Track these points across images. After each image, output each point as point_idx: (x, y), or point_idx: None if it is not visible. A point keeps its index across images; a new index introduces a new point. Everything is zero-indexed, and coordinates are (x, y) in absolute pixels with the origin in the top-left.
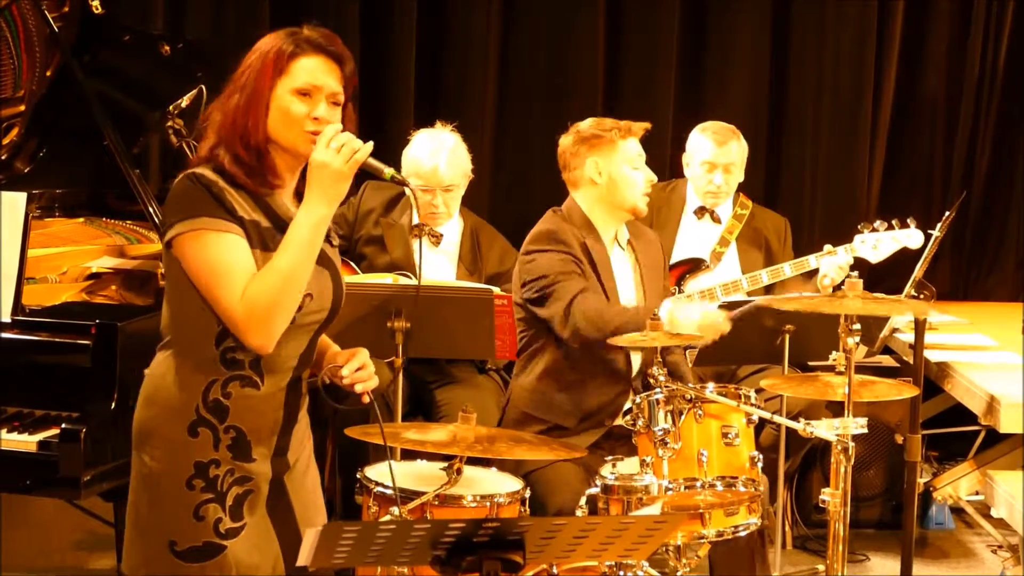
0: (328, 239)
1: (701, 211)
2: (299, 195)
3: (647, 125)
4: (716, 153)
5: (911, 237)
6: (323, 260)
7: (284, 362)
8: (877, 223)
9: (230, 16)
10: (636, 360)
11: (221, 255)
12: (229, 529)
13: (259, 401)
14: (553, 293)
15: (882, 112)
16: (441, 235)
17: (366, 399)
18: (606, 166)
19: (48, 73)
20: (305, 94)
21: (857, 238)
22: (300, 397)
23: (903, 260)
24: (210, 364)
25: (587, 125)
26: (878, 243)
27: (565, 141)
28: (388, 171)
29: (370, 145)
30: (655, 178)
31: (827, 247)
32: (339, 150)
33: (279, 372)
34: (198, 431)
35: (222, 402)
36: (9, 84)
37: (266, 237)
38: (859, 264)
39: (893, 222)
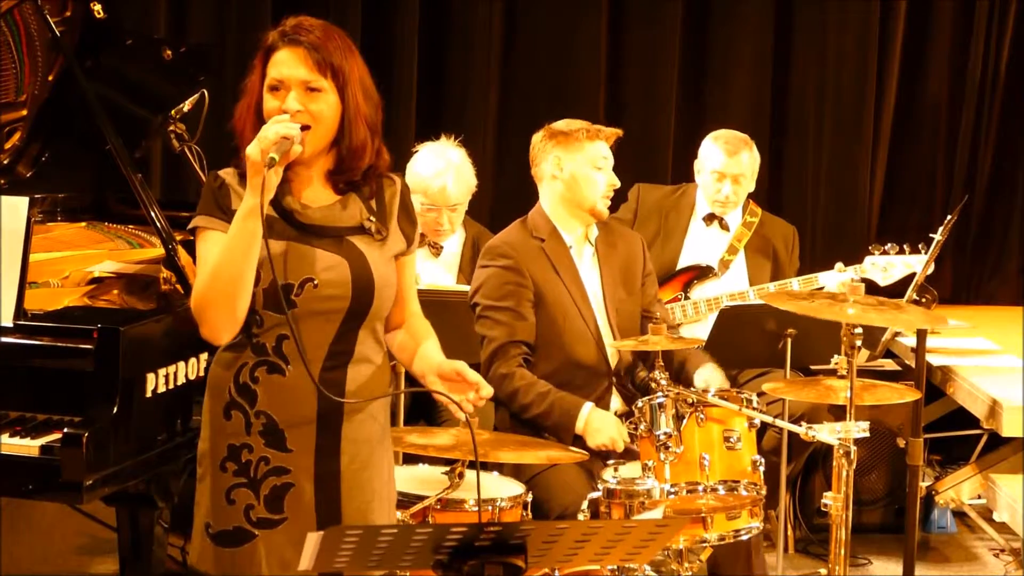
0: (367, 231)
1: (710, 218)
2: (328, 177)
3: (618, 132)
4: (726, 163)
5: (922, 263)
6: (344, 249)
7: (308, 351)
8: (888, 246)
9: (232, 19)
10: (611, 355)
11: (200, 250)
12: (263, 519)
13: (287, 389)
14: (482, 331)
15: (884, 115)
16: (442, 247)
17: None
18: (568, 163)
19: (50, 77)
20: (276, 88)
21: (867, 260)
22: (342, 394)
23: None
24: (242, 348)
25: (559, 123)
26: (888, 267)
27: (536, 136)
28: (270, 155)
29: (277, 132)
30: (617, 183)
31: (838, 265)
32: (259, 139)
33: (306, 361)
34: (231, 413)
35: (250, 386)
36: (11, 88)
37: (269, 225)
38: (867, 286)
39: (904, 246)
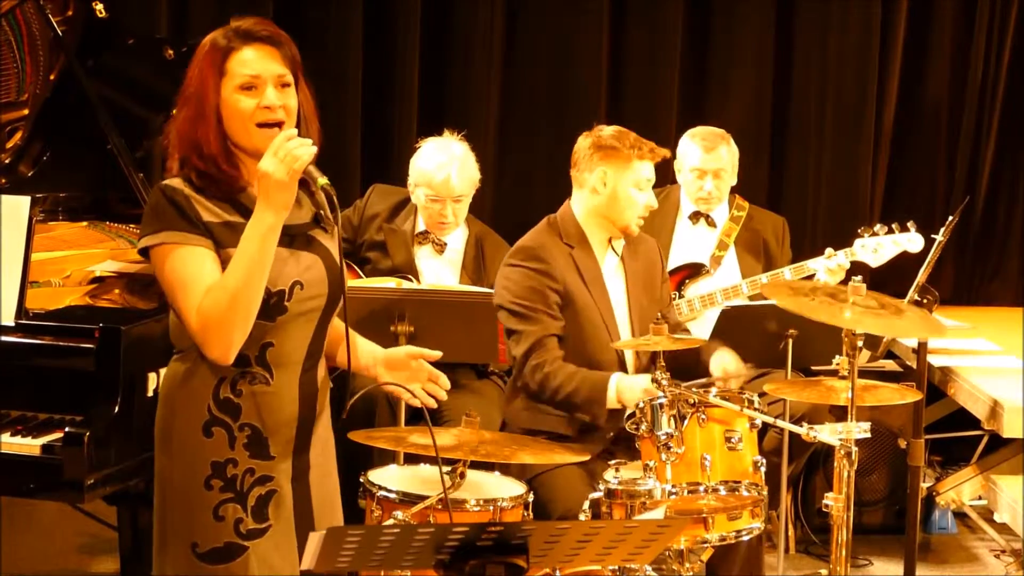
0: (322, 225)
1: (696, 216)
2: None
3: (667, 153)
4: (705, 159)
5: (912, 241)
6: (312, 246)
7: (291, 354)
8: (877, 227)
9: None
10: (629, 359)
11: (179, 268)
12: (251, 530)
13: (272, 397)
14: (516, 327)
15: (885, 115)
16: (445, 243)
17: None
18: (612, 180)
19: (52, 77)
20: (249, 87)
21: (857, 242)
22: (316, 391)
23: (906, 265)
24: (215, 364)
25: (609, 133)
26: (878, 247)
27: (584, 141)
28: (321, 180)
29: (311, 152)
30: (655, 205)
31: (828, 251)
32: (283, 159)
33: (288, 365)
34: (212, 431)
35: (233, 400)
36: (13, 88)
37: (240, 234)
38: (859, 268)
39: (893, 226)
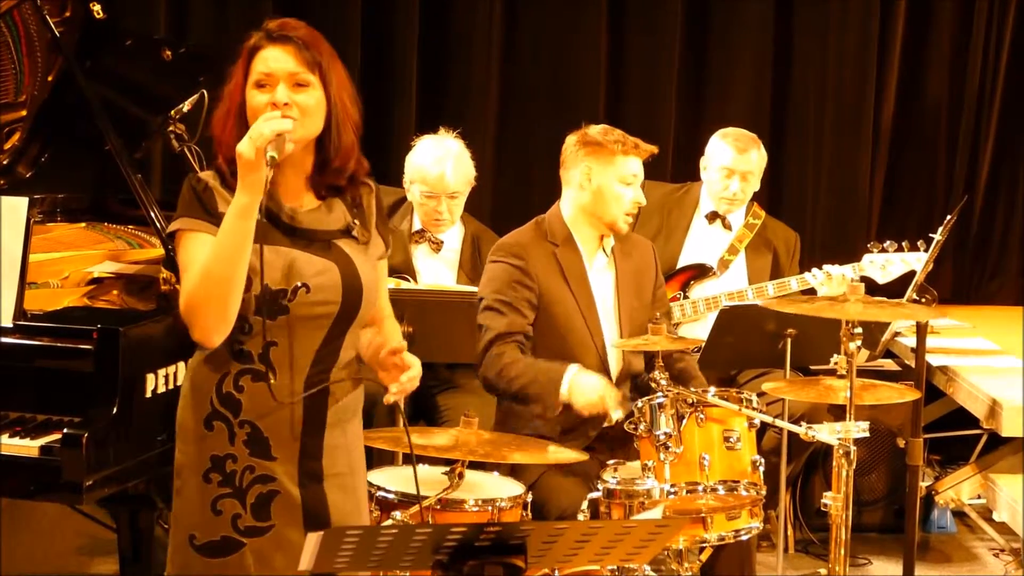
0: (351, 235)
1: (713, 216)
2: (310, 181)
3: (654, 149)
4: (736, 160)
5: (920, 261)
6: (331, 253)
7: (298, 358)
8: (887, 243)
9: (232, 20)
10: (613, 358)
11: (187, 254)
12: (250, 527)
13: (273, 396)
14: (483, 321)
15: (884, 115)
16: (442, 242)
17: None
18: (597, 175)
19: (50, 78)
20: (263, 84)
21: (866, 257)
22: (326, 397)
23: None
24: (223, 357)
25: (596, 130)
26: (887, 264)
27: (571, 139)
28: (270, 152)
29: (278, 127)
30: (643, 201)
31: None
32: (254, 137)
33: (292, 368)
34: (213, 424)
35: (234, 395)
36: (11, 89)
37: (258, 231)
38: (865, 284)
39: (903, 244)
